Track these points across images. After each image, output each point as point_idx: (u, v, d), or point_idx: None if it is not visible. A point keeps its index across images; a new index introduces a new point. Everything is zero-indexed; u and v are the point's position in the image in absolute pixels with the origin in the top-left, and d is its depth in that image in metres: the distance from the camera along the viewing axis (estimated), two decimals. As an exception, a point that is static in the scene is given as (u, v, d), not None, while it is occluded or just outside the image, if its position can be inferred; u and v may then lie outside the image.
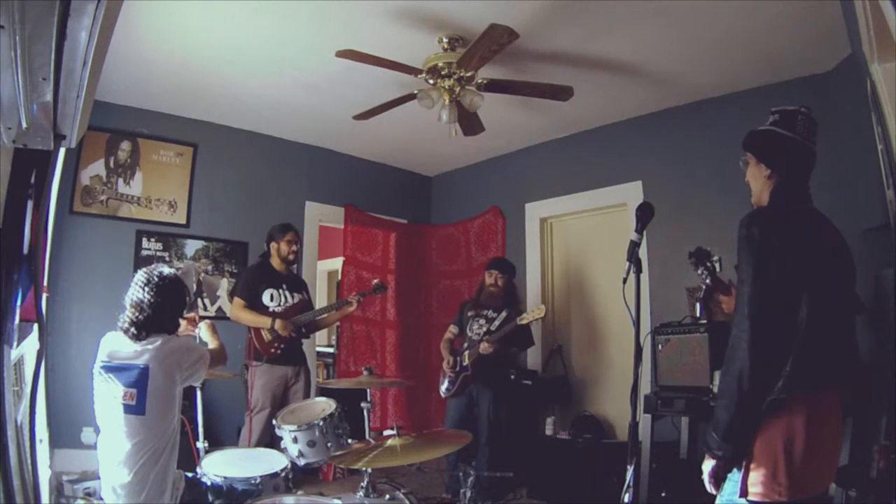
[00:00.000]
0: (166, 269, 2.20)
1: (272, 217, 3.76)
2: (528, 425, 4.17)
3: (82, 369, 2.16)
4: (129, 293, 2.13)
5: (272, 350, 3.43)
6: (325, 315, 3.79)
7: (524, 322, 3.58)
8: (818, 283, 1.48)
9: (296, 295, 3.63)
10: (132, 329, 2.08)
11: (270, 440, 3.29)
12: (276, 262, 3.63)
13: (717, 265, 1.92)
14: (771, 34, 2.93)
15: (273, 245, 3.63)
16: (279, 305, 3.53)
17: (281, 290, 3.57)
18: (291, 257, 3.66)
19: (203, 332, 2.52)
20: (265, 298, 3.51)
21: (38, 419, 1.93)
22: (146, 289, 2.11)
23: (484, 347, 3.63)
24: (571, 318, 4.64)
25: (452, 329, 4.06)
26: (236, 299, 3.53)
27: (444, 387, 3.90)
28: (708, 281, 1.92)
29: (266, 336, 3.43)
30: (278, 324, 3.39)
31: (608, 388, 4.29)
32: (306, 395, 3.50)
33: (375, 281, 4.02)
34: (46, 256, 2.83)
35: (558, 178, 4.66)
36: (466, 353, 3.77)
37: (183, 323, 2.44)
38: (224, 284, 4.25)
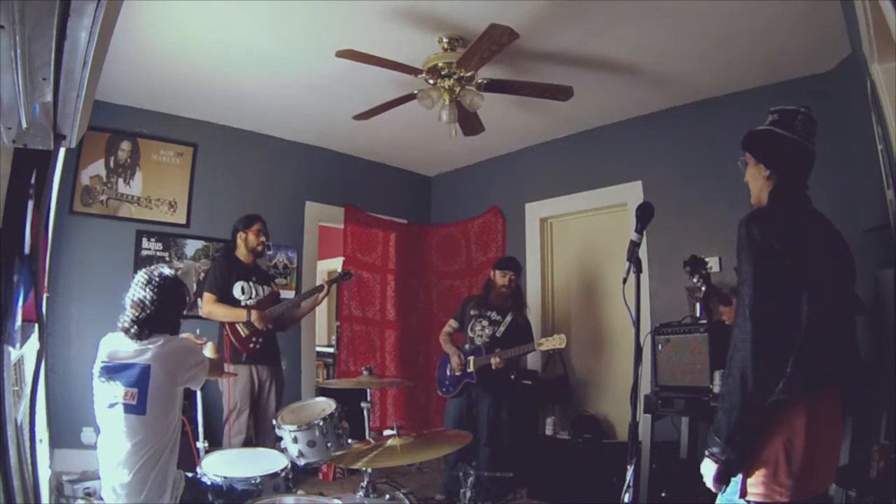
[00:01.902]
0: (166, 270, 2.22)
1: (272, 217, 3.75)
2: (528, 425, 4.17)
3: (82, 369, 2.16)
4: (129, 293, 2.14)
5: (250, 345, 3.34)
6: (299, 307, 3.72)
7: (543, 349, 3.54)
8: (818, 282, 1.48)
9: (265, 287, 3.55)
10: (134, 328, 2.08)
11: (255, 440, 3.27)
12: (242, 253, 3.53)
13: (712, 268, 1.94)
14: (771, 34, 2.93)
15: (240, 236, 3.53)
16: (251, 298, 3.43)
17: (251, 283, 3.47)
18: (260, 248, 3.56)
19: (208, 351, 2.53)
20: (236, 292, 3.41)
21: (38, 419, 1.93)
22: (147, 287, 2.12)
23: (496, 363, 3.54)
24: (571, 318, 4.64)
25: (452, 324, 3.98)
26: (207, 294, 3.38)
27: (443, 387, 3.87)
28: (704, 288, 1.93)
29: (242, 331, 3.34)
30: (254, 315, 3.30)
31: (608, 388, 4.29)
32: (278, 404, 3.39)
33: (341, 269, 3.98)
34: (47, 256, 2.83)
35: (558, 178, 4.66)
36: (472, 359, 3.70)
37: None
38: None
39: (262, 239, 3.56)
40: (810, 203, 1.64)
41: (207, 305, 3.39)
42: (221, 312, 3.36)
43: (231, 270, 3.46)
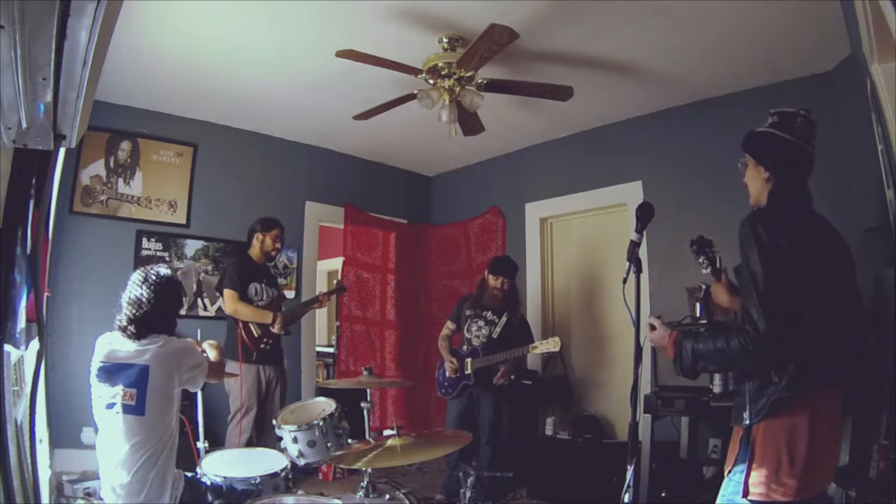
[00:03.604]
0: (163, 269, 2.22)
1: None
2: (528, 425, 4.17)
3: (82, 369, 2.16)
4: (126, 292, 2.14)
5: (261, 346, 3.38)
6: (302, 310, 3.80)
7: (537, 352, 3.54)
8: (821, 282, 1.48)
9: (273, 290, 3.60)
10: (131, 327, 2.08)
11: (256, 440, 3.29)
12: (255, 254, 3.57)
13: (718, 257, 1.93)
14: (771, 34, 2.93)
15: (257, 237, 3.57)
16: (262, 300, 3.48)
17: (262, 285, 3.52)
18: (274, 253, 3.62)
19: (207, 349, 2.53)
20: (250, 292, 3.45)
21: (38, 419, 1.93)
22: (144, 286, 2.12)
23: (503, 373, 3.57)
24: (572, 318, 4.64)
25: (449, 325, 3.97)
26: (229, 291, 3.40)
27: (442, 389, 3.87)
28: (708, 270, 1.92)
29: (255, 331, 3.37)
30: (277, 319, 3.37)
31: (608, 388, 4.29)
32: (282, 402, 3.42)
33: (336, 280, 4.01)
34: (47, 256, 2.83)
35: (558, 178, 4.66)
36: (469, 361, 3.70)
37: None
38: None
39: (278, 245, 3.61)
40: (810, 204, 1.64)
41: (232, 303, 3.39)
42: (247, 312, 3.38)
43: (246, 270, 3.50)
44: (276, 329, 3.38)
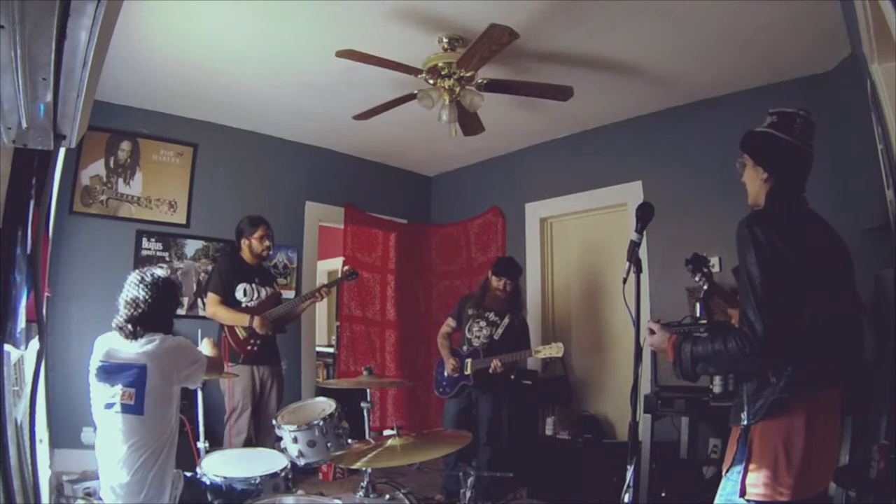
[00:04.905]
0: (159, 271, 2.25)
1: (272, 217, 3.74)
2: (528, 425, 4.17)
3: (82, 369, 2.17)
4: (123, 293, 2.16)
5: (248, 347, 3.35)
6: (299, 306, 3.72)
7: (539, 356, 3.53)
8: (820, 282, 1.48)
9: (267, 289, 3.55)
10: (128, 326, 2.09)
11: (255, 440, 3.28)
12: (246, 255, 3.53)
13: (714, 267, 1.94)
14: (771, 34, 2.93)
15: (244, 241, 3.52)
16: (251, 300, 3.44)
17: (253, 285, 3.47)
18: (265, 254, 3.55)
19: (204, 346, 2.54)
20: (238, 294, 3.42)
21: (38, 419, 1.93)
22: (140, 286, 2.15)
23: (495, 366, 3.51)
24: (571, 318, 4.64)
25: (450, 323, 3.95)
26: (211, 295, 3.40)
27: (440, 388, 3.86)
28: (706, 286, 1.93)
29: (241, 333, 3.35)
30: (257, 322, 3.30)
31: (608, 389, 4.29)
32: (279, 402, 3.41)
33: (346, 267, 3.96)
34: (47, 256, 2.83)
35: (558, 178, 4.66)
36: (469, 362, 3.68)
37: None
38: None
39: (267, 244, 3.54)
40: (807, 204, 1.64)
41: (212, 306, 3.40)
42: (225, 315, 3.36)
43: (234, 271, 3.46)
44: (258, 330, 3.33)
